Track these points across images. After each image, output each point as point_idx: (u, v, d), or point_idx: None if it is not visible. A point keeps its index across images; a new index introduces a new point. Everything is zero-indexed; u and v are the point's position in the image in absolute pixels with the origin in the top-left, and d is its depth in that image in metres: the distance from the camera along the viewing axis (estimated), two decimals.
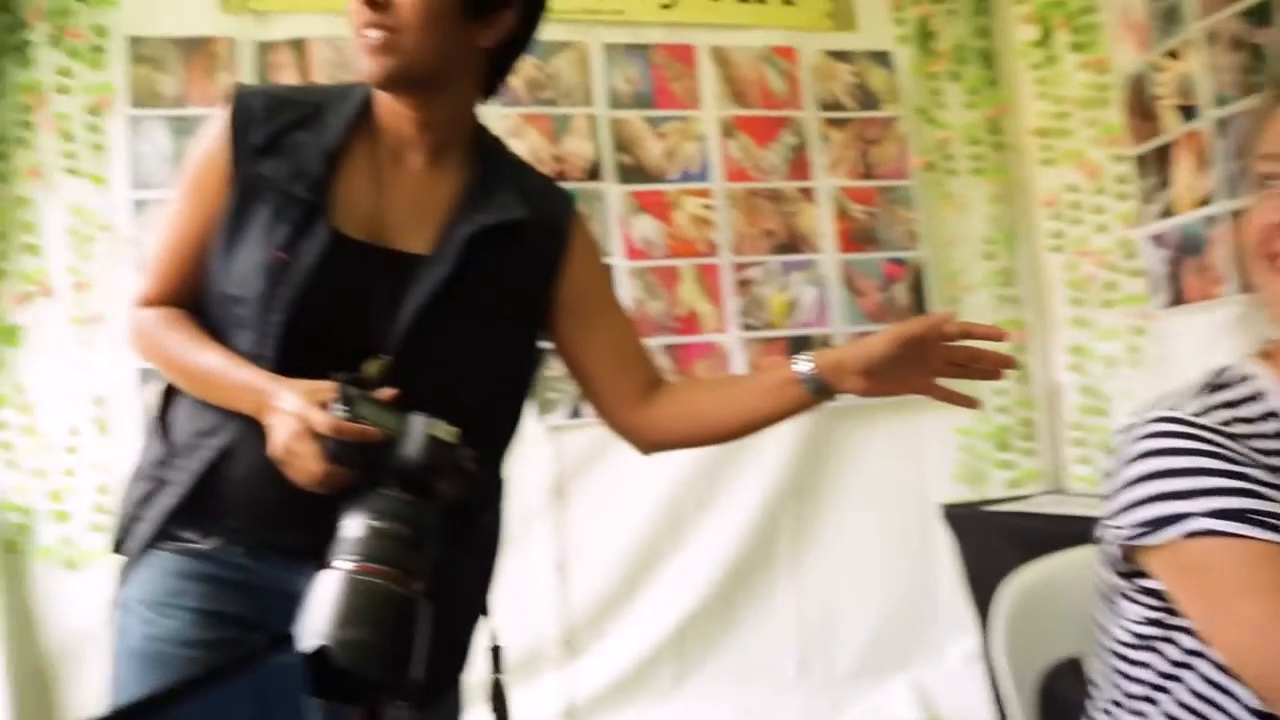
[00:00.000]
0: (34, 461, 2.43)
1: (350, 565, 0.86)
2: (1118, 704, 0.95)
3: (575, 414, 2.62)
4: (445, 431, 0.94)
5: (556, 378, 2.61)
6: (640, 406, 1.22)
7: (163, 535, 1.08)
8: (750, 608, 2.76)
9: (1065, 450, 2.94)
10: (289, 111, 1.11)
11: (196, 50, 2.55)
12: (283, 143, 1.09)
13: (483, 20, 1.12)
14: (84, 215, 2.48)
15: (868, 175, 2.91)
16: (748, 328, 2.79)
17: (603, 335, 1.23)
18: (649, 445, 1.26)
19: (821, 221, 2.87)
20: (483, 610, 1.15)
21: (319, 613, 0.82)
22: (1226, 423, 0.85)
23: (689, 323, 2.75)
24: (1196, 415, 0.85)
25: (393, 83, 1.08)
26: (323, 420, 0.93)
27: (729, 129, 2.83)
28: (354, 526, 0.89)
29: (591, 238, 1.26)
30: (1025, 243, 2.99)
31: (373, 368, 1.05)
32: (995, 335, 1.09)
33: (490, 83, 1.20)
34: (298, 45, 2.59)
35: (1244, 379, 0.91)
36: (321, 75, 2.58)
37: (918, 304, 2.89)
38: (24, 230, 2.45)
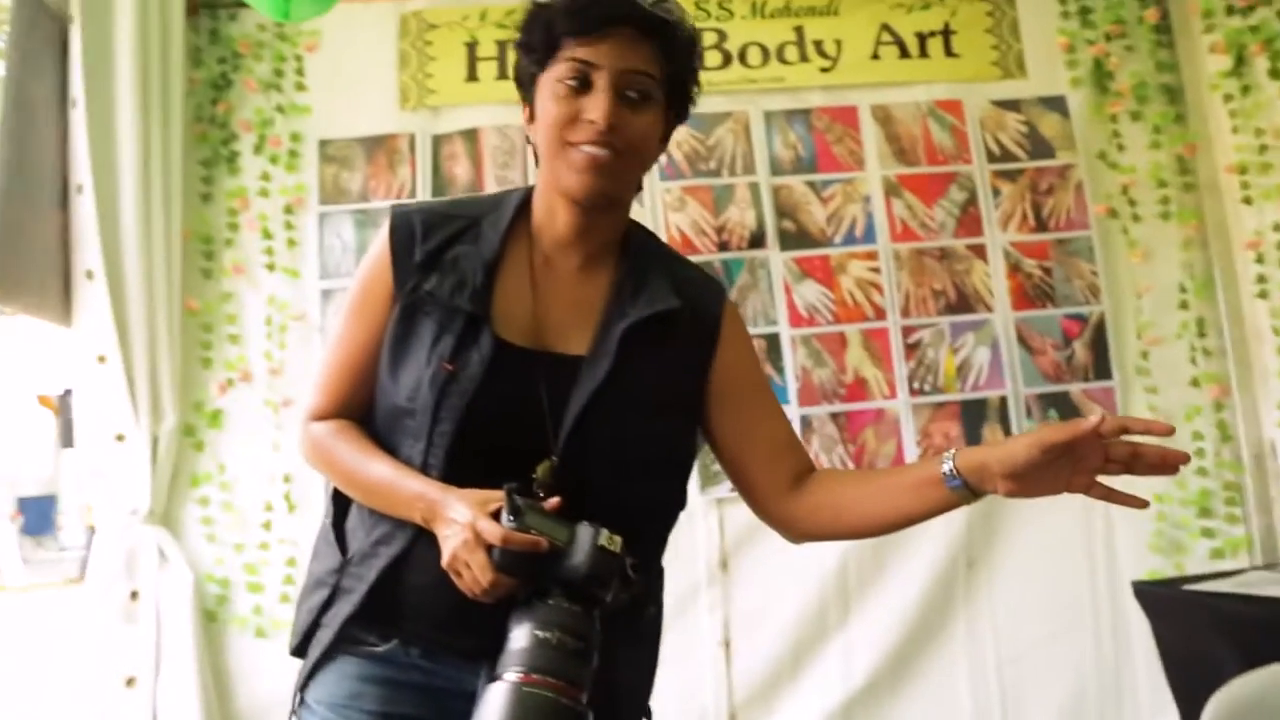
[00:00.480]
0: (232, 536, 2.60)
1: (517, 677, 0.87)
2: None
3: None
4: (611, 541, 0.94)
5: None
6: (790, 497, 1.19)
7: (342, 639, 1.10)
8: (921, 686, 2.61)
9: (1277, 517, 2.68)
10: (447, 227, 1.14)
11: (379, 147, 2.72)
12: (443, 258, 1.12)
13: (666, 139, 1.17)
14: (279, 306, 2.66)
15: (1041, 228, 2.77)
16: (918, 392, 2.69)
17: (754, 424, 1.20)
18: (798, 536, 1.22)
19: (993, 279, 2.75)
20: (646, 703, 1.15)
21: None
22: None
23: (857, 389, 2.68)
24: None
25: (600, 202, 1.12)
26: (492, 530, 0.95)
27: (894, 188, 2.77)
28: (521, 637, 0.90)
29: (743, 326, 1.25)
30: (1225, 289, 2.76)
31: (542, 470, 1.06)
32: (1160, 430, 0.99)
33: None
34: (469, 135, 2.72)
35: None
36: (492, 162, 2.70)
37: (1100, 361, 2.71)
38: (228, 321, 2.66)
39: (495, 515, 0.97)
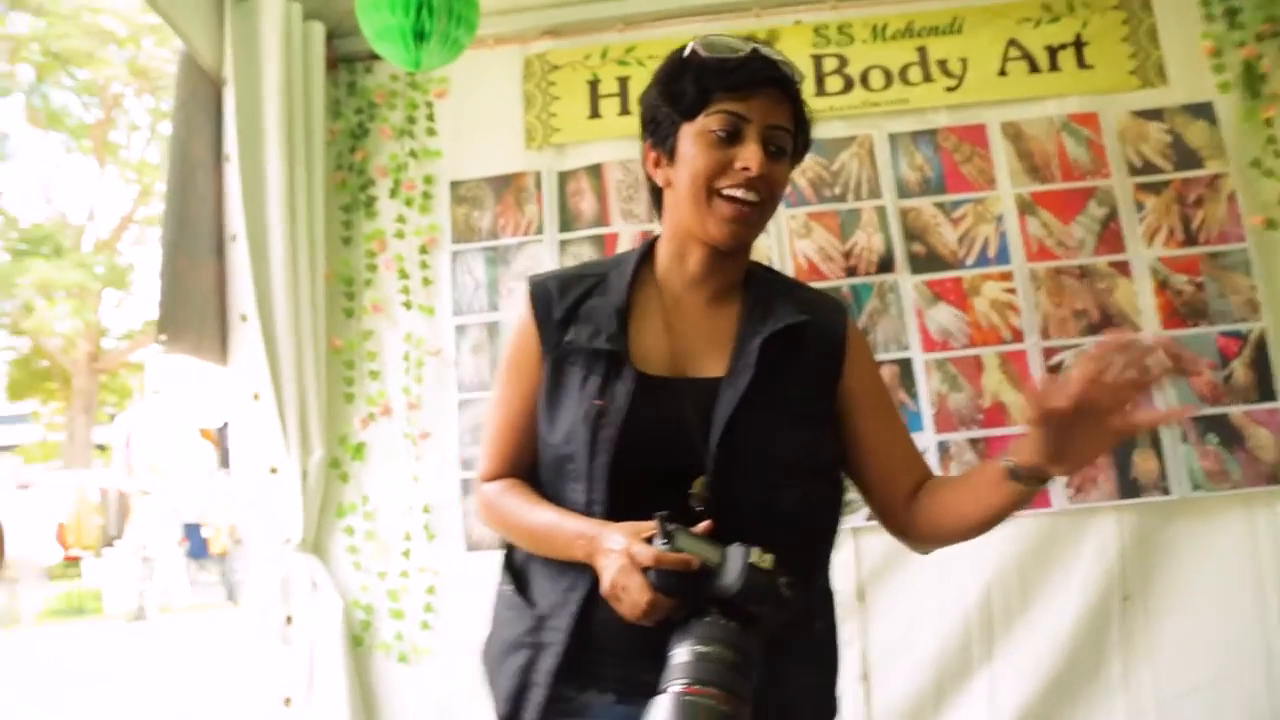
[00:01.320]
0: (376, 564, 2.69)
1: (679, 688, 0.93)
2: None
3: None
4: (762, 559, 0.98)
5: None
6: (911, 507, 1.24)
7: (554, 697, 1.16)
8: None
9: None
10: (578, 286, 1.25)
11: (507, 186, 2.80)
12: (579, 312, 1.22)
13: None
14: (416, 342, 2.77)
15: (1191, 242, 2.62)
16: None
17: (878, 437, 1.26)
18: (916, 544, 1.28)
19: (1140, 297, 2.61)
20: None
21: None
22: None
23: (995, 414, 2.58)
24: None
25: (739, 247, 1.23)
26: (645, 553, 1.02)
27: (1028, 206, 2.67)
28: (682, 653, 0.96)
29: (865, 343, 1.31)
30: None
31: (698, 485, 1.12)
32: (1165, 346, 1.01)
33: None
34: (594, 171, 2.77)
35: None
36: (617, 195, 2.75)
37: (1263, 381, 2.53)
38: (369, 358, 2.78)
39: (650, 541, 1.04)
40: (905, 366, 2.62)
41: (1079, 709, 2.48)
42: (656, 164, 1.23)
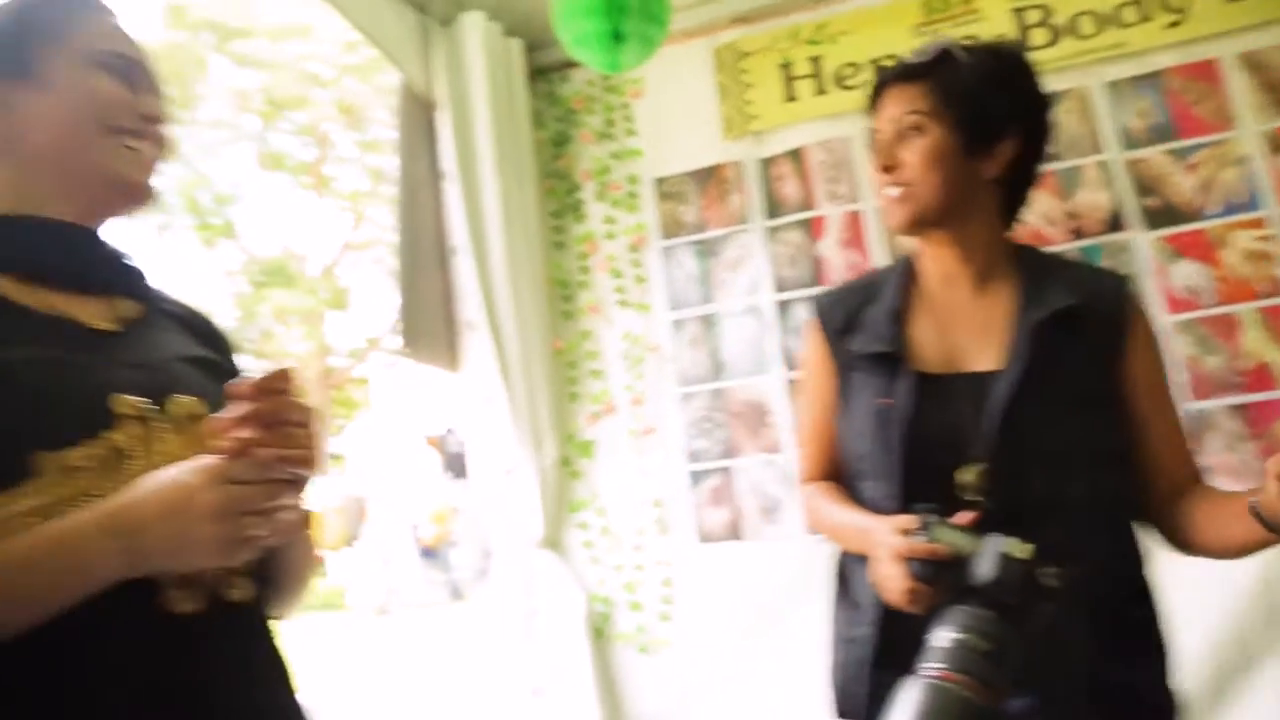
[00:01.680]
0: (612, 558, 2.78)
1: (931, 673, 0.95)
2: None
3: None
4: (1019, 549, 0.99)
5: None
6: (1174, 508, 1.21)
7: (876, 686, 1.21)
8: None
9: None
10: (855, 297, 1.37)
11: (709, 178, 2.82)
12: (857, 321, 1.33)
13: (984, 155, 1.27)
14: (634, 340, 2.83)
15: None
16: None
17: (1150, 428, 1.23)
18: (1176, 548, 1.25)
19: None
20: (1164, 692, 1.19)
21: (903, 714, 0.94)
22: None
23: (1259, 376, 2.34)
24: None
25: (912, 226, 1.29)
26: (900, 543, 1.08)
27: (1277, 143, 2.43)
28: (938, 639, 0.99)
29: (1149, 322, 1.27)
30: None
31: (968, 474, 1.16)
32: None
33: (1010, 208, 1.33)
34: (795, 155, 2.74)
35: None
36: (819, 177, 2.70)
37: None
38: (590, 358, 2.87)
39: (909, 533, 1.10)
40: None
41: None
42: None
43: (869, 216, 2.63)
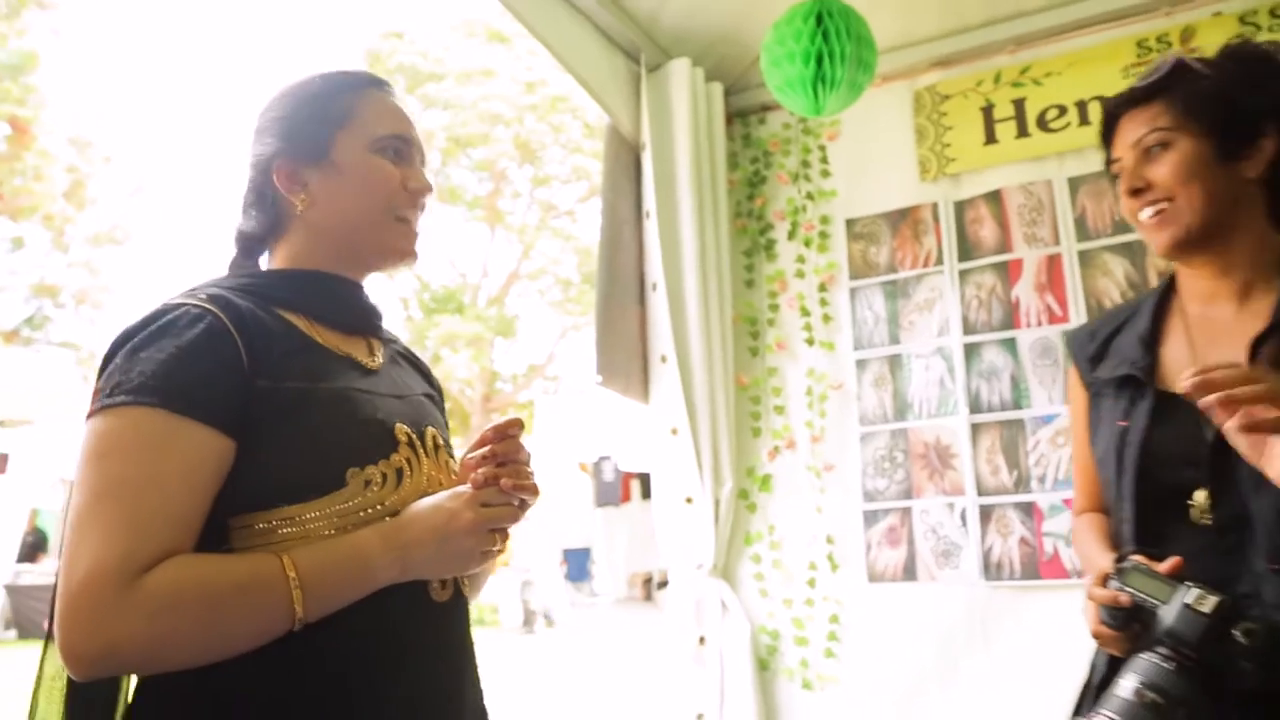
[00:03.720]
0: (781, 591, 2.80)
1: (1108, 718, 0.97)
2: None
3: None
4: (1203, 602, 0.98)
5: None
6: None
7: None
8: None
9: None
10: (1108, 325, 1.37)
11: (902, 220, 2.84)
12: (1107, 350, 1.33)
13: (1243, 157, 1.22)
14: (818, 377, 2.87)
15: None
16: None
17: None
18: None
19: None
20: None
21: None
22: None
23: None
24: None
25: (1181, 249, 1.24)
26: (1092, 589, 1.10)
27: None
28: (1121, 686, 0.99)
29: None
30: None
31: (1199, 500, 1.14)
32: None
33: (1276, 206, 1.26)
34: (993, 197, 2.72)
35: None
36: (1018, 220, 2.67)
37: None
38: (773, 394, 2.92)
39: (1106, 579, 1.11)
40: None
41: None
42: None
43: (1068, 259, 2.58)
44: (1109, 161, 1.33)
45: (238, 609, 0.93)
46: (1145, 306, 1.34)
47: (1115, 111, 1.31)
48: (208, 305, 1.01)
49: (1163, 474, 1.17)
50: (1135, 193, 1.25)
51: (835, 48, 2.20)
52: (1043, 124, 2.67)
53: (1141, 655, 1.00)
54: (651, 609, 13.21)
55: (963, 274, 2.72)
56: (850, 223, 2.90)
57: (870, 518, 2.72)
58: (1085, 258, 2.56)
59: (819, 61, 2.21)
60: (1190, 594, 0.99)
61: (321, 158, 1.14)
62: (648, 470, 3.03)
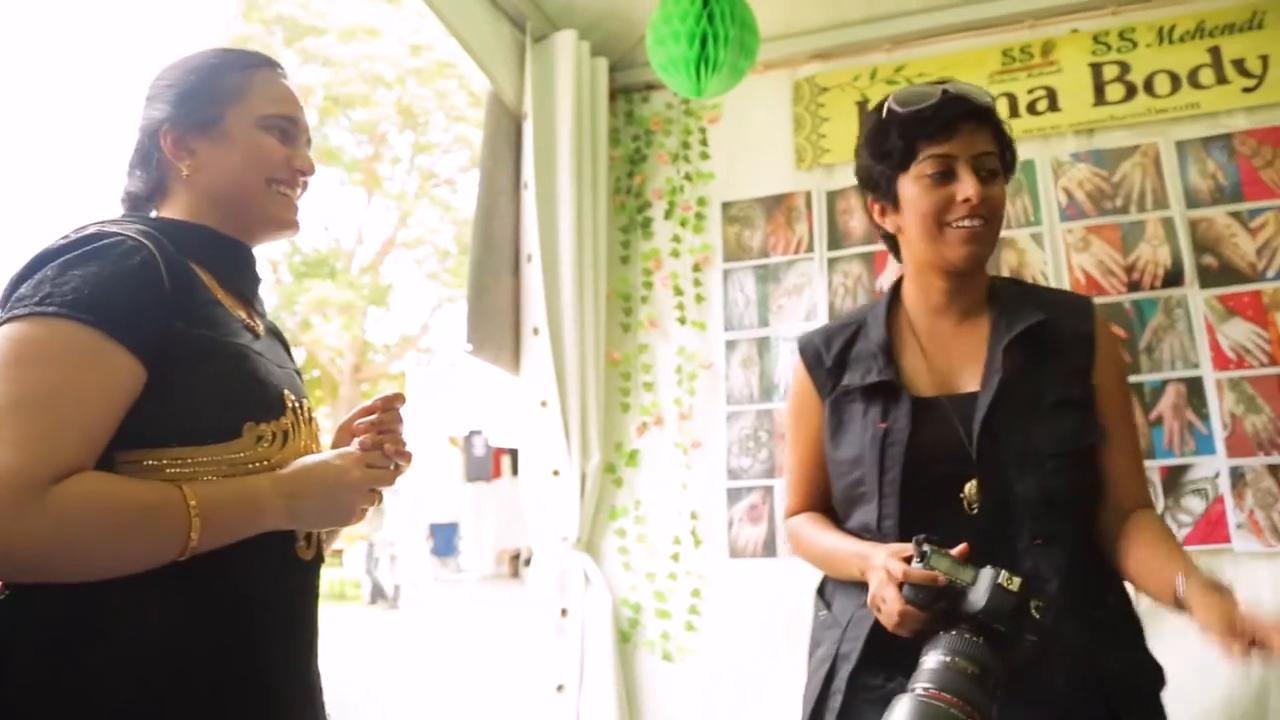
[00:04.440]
0: (645, 565, 2.84)
1: (924, 692, 1.02)
2: None
3: None
4: (1010, 581, 1.07)
5: None
6: (1114, 526, 1.30)
7: (853, 690, 1.32)
8: None
9: None
10: (841, 335, 1.44)
11: (777, 206, 2.91)
12: (848, 358, 1.41)
13: None
14: (688, 356, 2.91)
15: None
16: None
17: (1114, 439, 1.32)
18: (1109, 560, 1.32)
19: None
20: (1144, 688, 1.28)
21: None
22: None
23: None
24: None
25: (975, 267, 1.35)
26: (898, 569, 1.15)
27: None
28: (929, 661, 1.06)
29: (1115, 341, 1.40)
30: None
31: (969, 489, 1.26)
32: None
33: None
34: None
35: None
36: None
37: None
38: (644, 370, 2.95)
39: (910, 561, 1.16)
40: (1194, 385, 2.48)
41: None
42: (883, 214, 1.40)
43: None
44: (938, 155, 1.32)
45: (140, 529, 0.95)
46: (874, 317, 1.43)
47: (959, 112, 1.33)
48: (143, 240, 1.04)
49: (931, 469, 1.28)
50: (978, 201, 1.30)
51: (719, 30, 2.23)
52: None
53: (948, 633, 1.08)
54: (518, 586, 13.18)
55: (831, 262, 2.81)
56: (726, 205, 2.96)
57: (734, 495, 2.79)
58: None
59: (702, 43, 2.23)
60: (999, 575, 1.08)
61: (211, 128, 1.18)
62: (518, 445, 3.02)
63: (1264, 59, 2.59)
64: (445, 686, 6.39)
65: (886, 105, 1.37)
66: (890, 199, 1.37)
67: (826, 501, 1.45)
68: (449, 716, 5.69)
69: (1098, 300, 2.50)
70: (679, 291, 2.95)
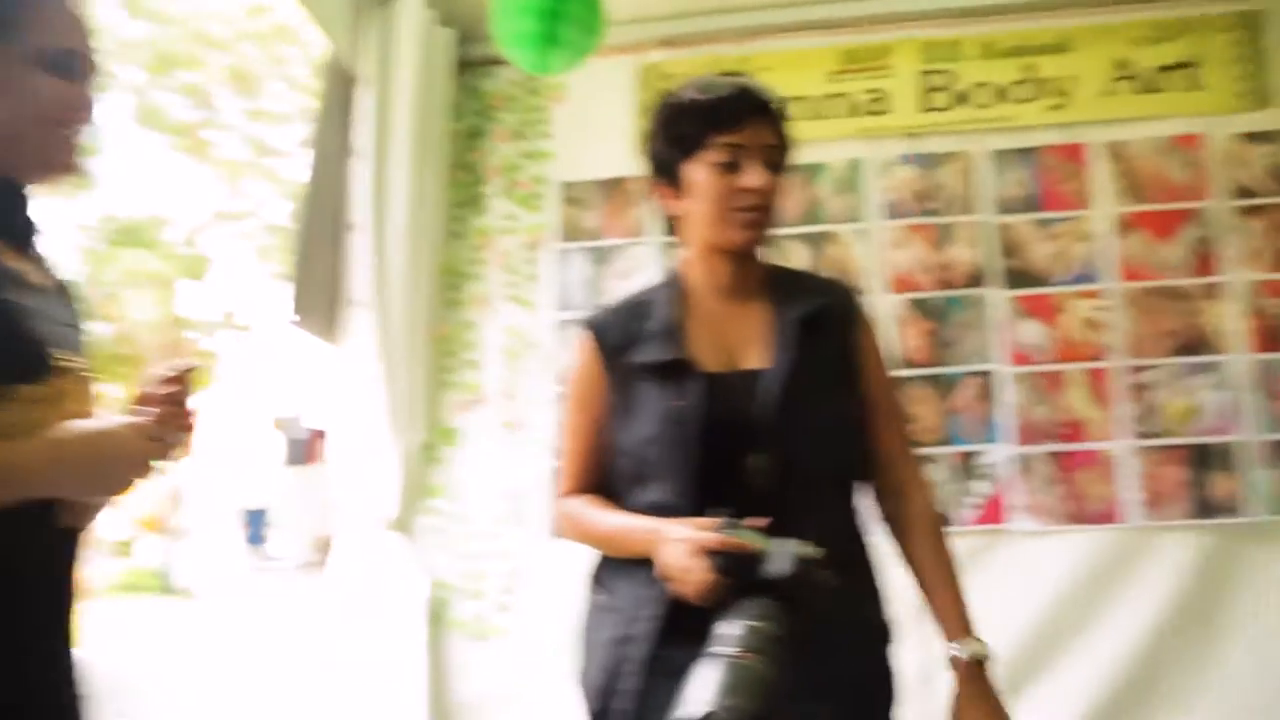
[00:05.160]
0: (461, 546, 2.80)
1: (730, 653, 1.07)
2: None
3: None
4: (809, 550, 1.14)
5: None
6: (892, 503, 1.45)
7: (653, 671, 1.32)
8: None
9: None
10: (627, 315, 1.46)
11: (615, 189, 2.91)
12: (634, 337, 1.42)
13: None
14: (516, 335, 2.88)
15: None
16: (1142, 435, 2.60)
17: (880, 411, 1.44)
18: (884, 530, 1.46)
19: (1231, 319, 2.64)
20: (866, 613, 1.40)
21: (705, 687, 1.04)
22: None
23: (1075, 430, 2.63)
24: None
25: (754, 250, 1.43)
26: (708, 539, 1.18)
27: (1125, 226, 2.71)
28: (734, 626, 1.10)
29: (872, 322, 1.49)
30: None
31: (755, 460, 1.31)
32: None
33: None
34: None
35: None
36: None
37: None
38: (468, 348, 2.90)
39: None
40: (990, 379, 2.67)
41: None
42: (668, 197, 1.43)
43: None
44: (729, 145, 1.36)
45: None
46: (660, 297, 1.46)
47: (751, 106, 1.38)
48: None
49: (723, 444, 1.32)
50: (762, 189, 1.36)
51: (567, 9, 2.21)
52: None
53: (748, 600, 1.12)
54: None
55: (665, 247, 2.83)
56: (565, 186, 2.94)
57: (556, 475, 2.77)
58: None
59: (549, 19, 2.21)
60: (795, 544, 1.14)
61: None
62: (336, 420, 2.92)
63: (1071, 80, 2.80)
64: (244, 678, 6.11)
65: (681, 93, 1.42)
66: (677, 184, 1.41)
67: (602, 484, 1.45)
68: (249, 708, 5.45)
69: (911, 296, 2.73)
70: (511, 270, 2.91)
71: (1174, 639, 2.52)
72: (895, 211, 2.78)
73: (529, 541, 2.77)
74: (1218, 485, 2.57)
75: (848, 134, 2.83)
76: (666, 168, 1.42)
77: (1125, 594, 2.55)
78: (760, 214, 1.37)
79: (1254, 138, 2.72)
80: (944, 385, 2.66)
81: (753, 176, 1.35)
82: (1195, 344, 2.64)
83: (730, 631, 1.10)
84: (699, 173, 1.37)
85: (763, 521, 1.19)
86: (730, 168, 1.36)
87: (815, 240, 2.77)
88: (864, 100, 2.84)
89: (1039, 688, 2.53)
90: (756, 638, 1.08)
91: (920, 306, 2.73)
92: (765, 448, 1.31)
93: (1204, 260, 2.67)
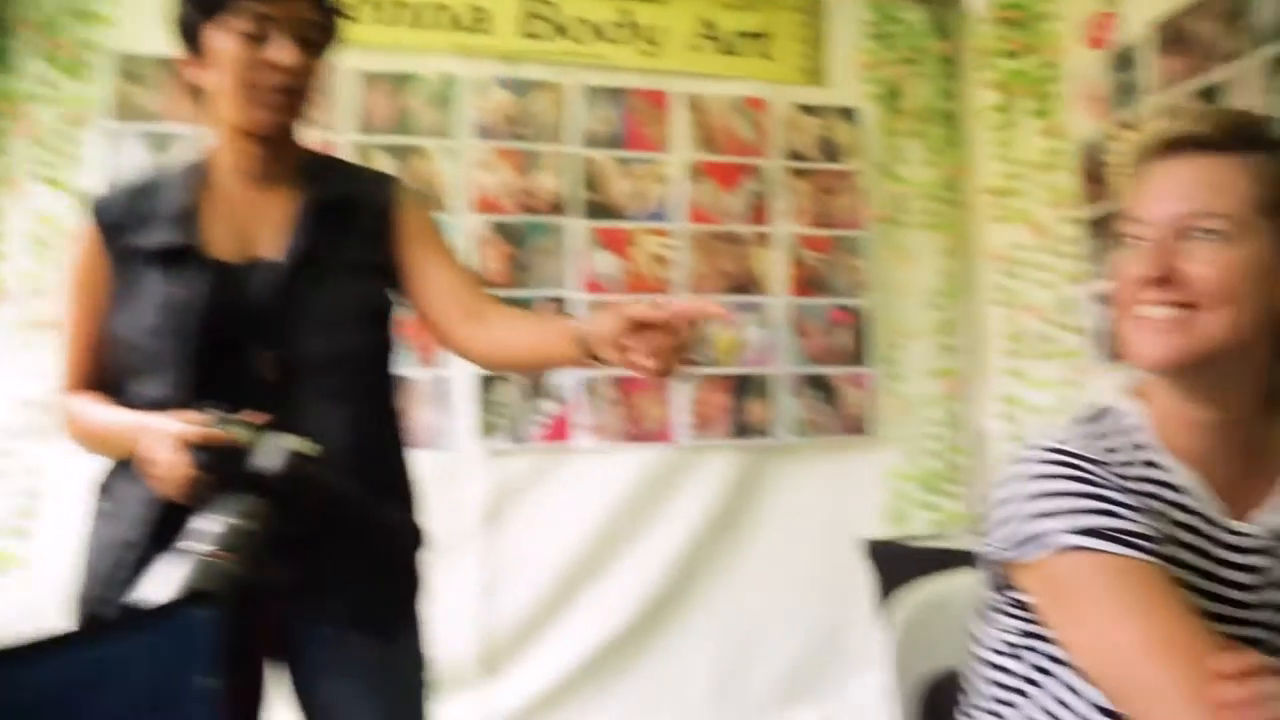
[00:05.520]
0: None
1: (200, 551, 1.01)
2: (981, 707, 1.00)
3: (516, 439, 2.71)
4: (302, 446, 1.08)
5: (500, 403, 2.69)
6: (463, 328, 1.36)
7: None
8: (668, 636, 2.82)
9: (989, 494, 2.99)
10: (140, 196, 1.32)
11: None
12: (145, 218, 1.28)
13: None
14: (48, 222, 2.51)
15: (824, 224, 3.01)
16: (693, 364, 2.84)
17: (434, 275, 1.39)
18: (480, 364, 1.43)
19: (776, 265, 2.96)
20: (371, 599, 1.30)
21: (164, 586, 0.98)
22: (1095, 450, 0.91)
23: None
24: (1067, 443, 0.91)
25: (283, 133, 1.29)
26: (193, 430, 1.09)
27: (696, 173, 2.92)
28: (210, 522, 1.04)
29: (419, 202, 1.44)
30: (969, 295, 3.09)
31: (264, 357, 1.24)
32: (712, 313, 1.13)
33: None
34: None
35: (1115, 413, 0.98)
36: None
37: (858, 349, 2.99)
38: None
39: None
40: (563, 305, 2.78)
41: (673, 619, 2.82)
42: (190, 66, 1.28)
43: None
44: (257, 13, 1.22)
45: None
46: (175, 180, 1.33)
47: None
48: None
49: (227, 336, 1.23)
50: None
51: None
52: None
53: (232, 495, 1.06)
54: None
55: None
56: (124, 58, 2.57)
57: None
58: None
59: None
60: (288, 439, 1.08)
61: None
62: None
63: (661, 30, 2.95)
64: None
65: None
66: (198, 49, 1.25)
67: (106, 377, 1.31)
68: None
69: (493, 218, 2.75)
70: (44, 145, 2.52)
71: (710, 544, 2.85)
72: (486, 133, 2.77)
73: (55, 457, 2.43)
74: (754, 411, 2.89)
75: (444, 48, 2.75)
76: (189, 30, 1.25)
77: (674, 504, 2.84)
78: (289, 96, 1.24)
79: (809, 110, 3.05)
80: (520, 308, 2.73)
81: (281, 51, 1.21)
82: (745, 284, 2.93)
83: (205, 527, 1.03)
84: (222, 40, 1.22)
85: (261, 417, 1.11)
86: (257, 39, 1.21)
87: (402, 152, 2.68)
88: (465, 14, 2.79)
89: (598, 587, 2.76)
90: (231, 536, 1.02)
91: (502, 230, 2.76)
92: (269, 341, 1.23)
93: (758, 211, 2.97)
